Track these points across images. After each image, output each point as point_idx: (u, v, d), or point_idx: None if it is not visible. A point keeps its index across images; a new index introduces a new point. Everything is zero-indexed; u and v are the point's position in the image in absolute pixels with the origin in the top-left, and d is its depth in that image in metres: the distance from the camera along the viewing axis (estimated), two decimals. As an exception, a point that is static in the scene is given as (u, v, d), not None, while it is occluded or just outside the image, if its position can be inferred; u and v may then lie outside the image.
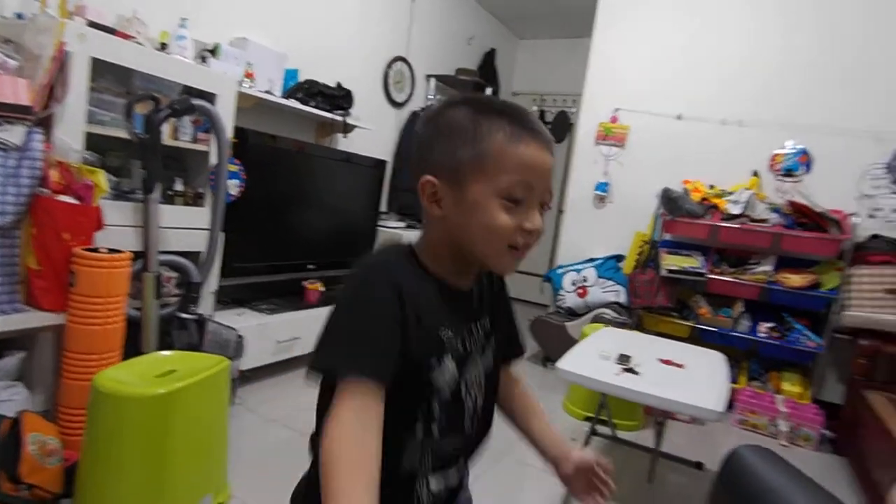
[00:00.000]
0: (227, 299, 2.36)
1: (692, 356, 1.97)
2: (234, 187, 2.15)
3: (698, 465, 2.05)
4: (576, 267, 3.22)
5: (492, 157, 0.56)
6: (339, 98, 2.75)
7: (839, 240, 2.66)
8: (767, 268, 2.83)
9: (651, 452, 1.94)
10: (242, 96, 2.18)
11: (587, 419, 2.35)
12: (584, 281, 3.11)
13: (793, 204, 2.79)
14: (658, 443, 1.93)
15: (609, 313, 2.91)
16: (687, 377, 1.75)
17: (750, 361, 2.94)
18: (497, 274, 0.72)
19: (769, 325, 2.81)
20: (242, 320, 2.24)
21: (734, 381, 2.80)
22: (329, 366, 0.54)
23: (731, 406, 2.71)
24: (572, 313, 3.10)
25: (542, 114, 4.87)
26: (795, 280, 2.75)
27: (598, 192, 3.36)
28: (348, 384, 0.50)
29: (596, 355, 1.80)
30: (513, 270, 0.61)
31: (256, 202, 2.38)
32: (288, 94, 2.54)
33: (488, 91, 3.94)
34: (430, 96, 3.90)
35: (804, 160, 2.92)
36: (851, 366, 2.56)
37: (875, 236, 2.72)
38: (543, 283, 3.38)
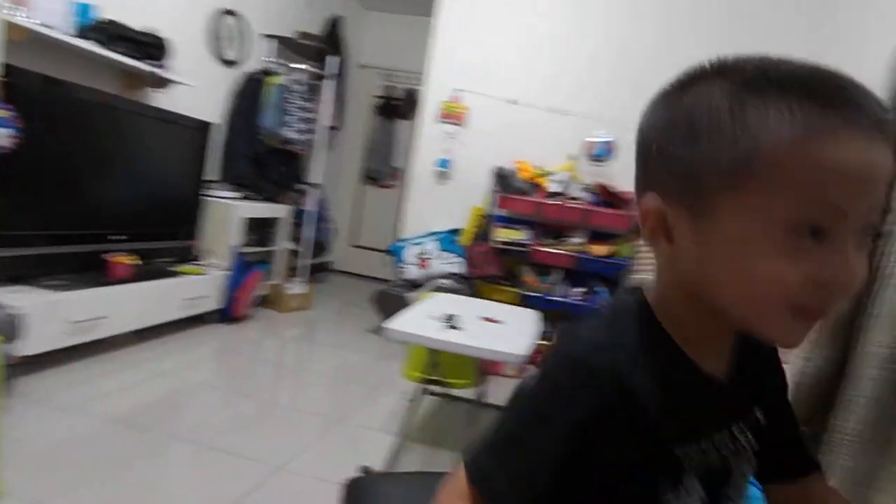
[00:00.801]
0: None
1: (511, 314, 2.27)
2: (4, 137, 1.82)
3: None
4: (418, 240, 3.40)
5: (766, 161, 0.36)
6: (149, 46, 2.47)
7: (631, 216, 3.25)
8: (580, 240, 3.33)
9: (471, 403, 2.19)
10: (11, 27, 1.84)
11: (427, 381, 2.54)
12: (426, 253, 3.30)
13: (600, 185, 3.32)
14: (481, 394, 2.18)
15: (447, 283, 3.14)
16: (503, 331, 2.00)
17: (567, 321, 3.44)
18: (767, 345, 0.52)
19: (580, 289, 3.33)
20: (24, 298, 1.93)
21: (552, 337, 3.26)
22: (476, 474, 0.45)
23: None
24: (414, 285, 3.28)
25: (390, 90, 4.96)
26: (600, 250, 3.28)
27: (439, 169, 3.57)
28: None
29: (424, 317, 1.96)
30: (798, 343, 0.40)
31: (41, 159, 2.05)
32: (81, 33, 2.21)
33: (332, 61, 3.86)
34: (268, 58, 3.70)
35: (611, 148, 3.47)
36: (638, 320, 3.16)
37: (658, 213, 3.38)
38: (387, 256, 3.50)
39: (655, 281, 0.47)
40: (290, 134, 3.64)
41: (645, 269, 3.23)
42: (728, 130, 0.37)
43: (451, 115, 3.54)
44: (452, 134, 3.56)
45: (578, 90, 3.48)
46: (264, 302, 3.50)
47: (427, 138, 3.61)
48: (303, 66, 3.77)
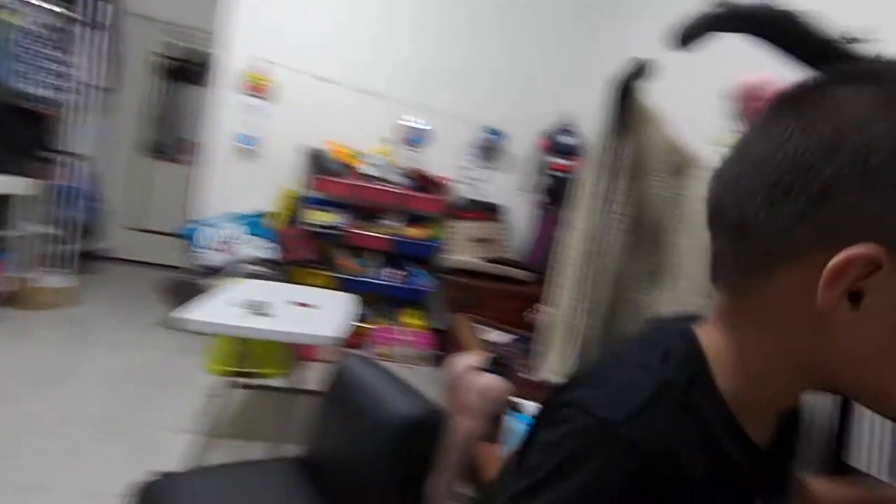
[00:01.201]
0: None
1: (326, 298, 2.27)
2: None
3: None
4: (219, 223, 3.14)
5: None
6: None
7: (444, 200, 3.52)
8: (396, 223, 3.48)
9: (286, 391, 2.16)
10: None
11: (235, 374, 2.39)
12: (230, 237, 3.07)
13: (415, 170, 3.51)
14: (297, 381, 2.16)
15: (256, 269, 2.99)
16: (316, 315, 2.01)
17: (384, 303, 3.57)
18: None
19: (396, 271, 3.49)
20: None
21: (370, 320, 3.36)
22: None
23: (365, 342, 3.26)
24: (215, 272, 3.03)
25: (177, 49, 4.40)
26: (416, 233, 3.49)
27: (242, 145, 3.34)
28: None
29: (228, 304, 1.85)
30: None
31: None
32: None
33: (93, 4, 3.25)
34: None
35: (425, 135, 3.69)
36: (450, 298, 3.46)
37: (467, 198, 3.72)
38: (180, 240, 3.16)
39: (740, 341, 0.40)
40: (32, 89, 2.98)
41: (457, 248, 3.55)
42: None
43: (256, 88, 3.33)
44: (257, 108, 3.35)
45: (394, 75, 3.60)
46: (9, 300, 2.84)
47: (227, 110, 3.33)
48: (49, 6, 3.09)
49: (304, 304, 2.08)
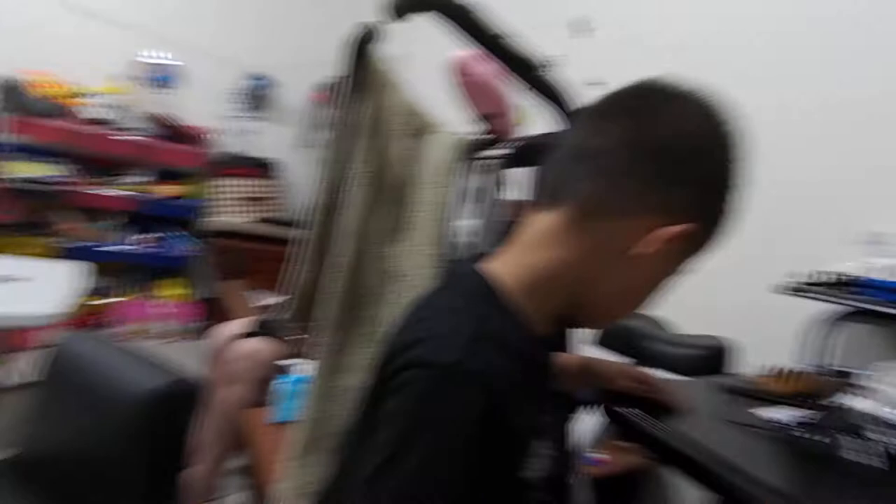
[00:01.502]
0: None
1: (37, 270, 1.87)
2: None
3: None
4: None
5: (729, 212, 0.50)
6: None
7: (204, 153, 3.18)
8: (142, 178, 3.02)
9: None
10: None
11: None
12: None
13: (164, 117, 3.05)
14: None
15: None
16: (23, 291, 1.65)
17: (133, 273, 3.11)
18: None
19: (148, 235, 3.06)
20: None
21: (116, 293, 2.90)
22: None
23: (109, 319, 2.82)
24: None
25: None
26: (169, 191, 3.08)
27: None
28: None
29: None
30: None
31: None
32: None
33: None
34: None
35: (173, 73, 3.21)
36: (218, 263, 3.21)
37: (233, 152, 3.42)
38: None
39: (570, 250, 0.46)
40: None
41: (223, 208, 3.26)
42: (728, 172, 0.48)
43: None
44: None
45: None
46: None
47: None
48: None
49: (6, 279, 1.68)
